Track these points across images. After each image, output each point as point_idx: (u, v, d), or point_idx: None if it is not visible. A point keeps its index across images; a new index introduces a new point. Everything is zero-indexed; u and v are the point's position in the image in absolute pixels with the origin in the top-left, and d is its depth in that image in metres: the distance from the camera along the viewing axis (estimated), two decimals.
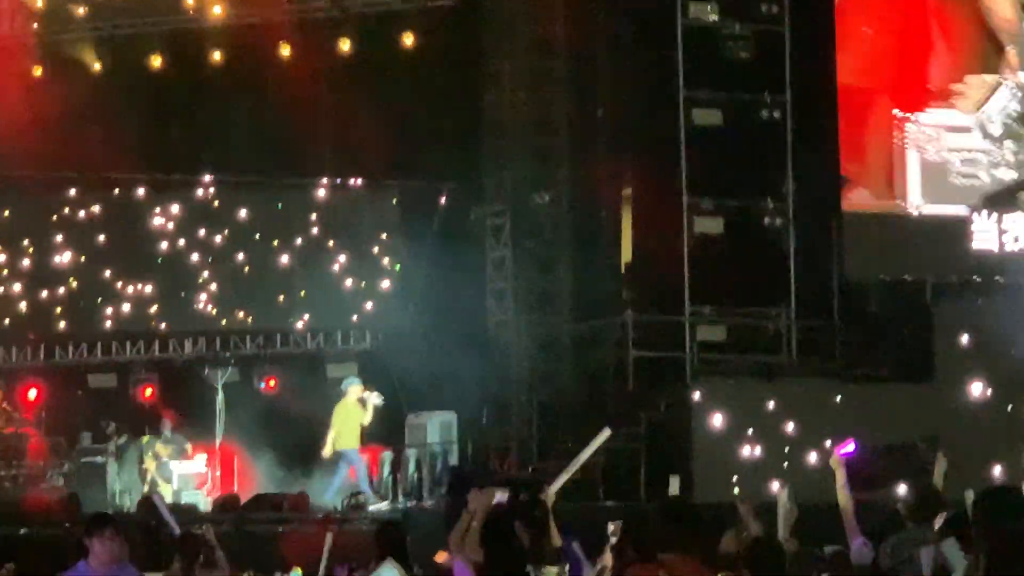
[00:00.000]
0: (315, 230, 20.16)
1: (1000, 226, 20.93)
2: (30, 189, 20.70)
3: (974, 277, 20.73)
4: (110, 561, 9.44)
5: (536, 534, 9.50)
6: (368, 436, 19.60)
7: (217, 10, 20.34)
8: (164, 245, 20.39)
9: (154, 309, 20.69)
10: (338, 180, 20.47)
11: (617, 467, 18.87)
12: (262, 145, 19.86)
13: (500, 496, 9.32)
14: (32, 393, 20.88)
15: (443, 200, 20.03)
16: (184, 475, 20.22)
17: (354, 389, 19.53)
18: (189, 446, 20.02)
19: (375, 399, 19.48)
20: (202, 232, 20.45)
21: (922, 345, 19.58)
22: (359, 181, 20.36)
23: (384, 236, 20.23)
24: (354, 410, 19.41)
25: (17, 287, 20.95)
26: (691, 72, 19.54)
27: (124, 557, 9.55)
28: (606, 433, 11.49)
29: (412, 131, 19.88)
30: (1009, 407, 18.64)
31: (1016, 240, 21.40)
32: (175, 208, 20.34)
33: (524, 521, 9.50)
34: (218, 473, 20.48)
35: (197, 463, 20.23)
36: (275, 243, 20.14)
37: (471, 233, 20.34)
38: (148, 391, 20.78)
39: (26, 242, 20.86)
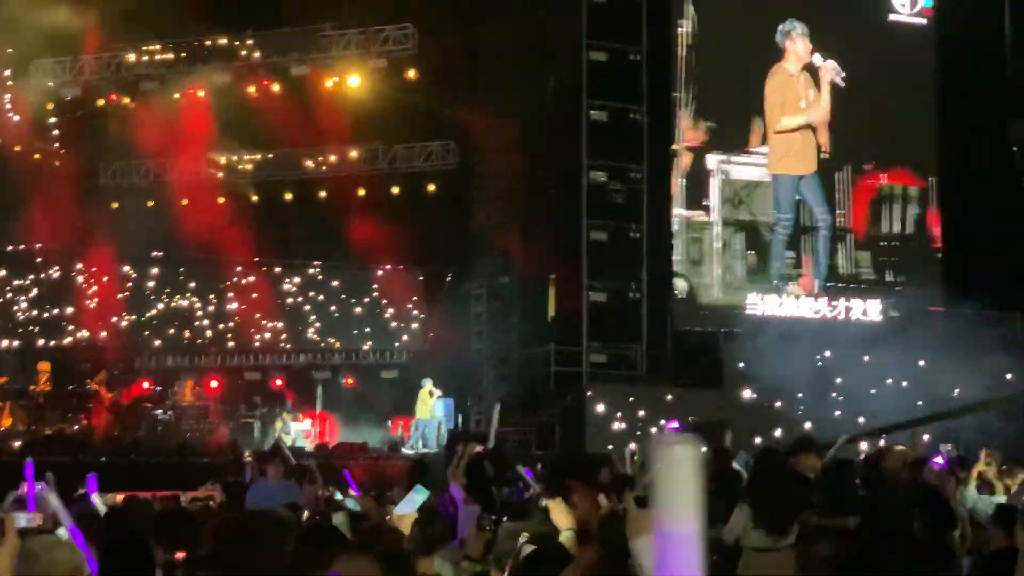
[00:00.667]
0: (375, 294, 29.18)
1: (763, 300, 28.16)
2: (214, 265, 29.05)
3: (743, 330, 27.02)
4: (279, 477, 13.01)
5: (497, 468, 12.73)
6: (404, 409, 27.23)
7: (322, 167, 29.44)
8: (290, 300, 29.50)
9: (284, 336, 29.17)
10: (388, 266, 28.71)
11: (543, 434, 26.12)
12: (347, 245, 27.67)
13: (476, 447, 12.29)
14: (213, 383, 27.61)
15: (448, 279, 28.33)
16: (298, 431, 26.49)
17: (427, 384, 26.35)
18: (301, 415, 26.84)
19: (436, 392, 26.31)
20: (311, 294, 29.66)
21: (718, 366, 26.83)
22: (400, 266, 28.81)
23: (415, 298, 28.99)
24: (425, 396, 26.38)
25: (205, 322, 29.45)
26: (590, 210, 26.70)
27: (283, 477, 13.12)
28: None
29: (431, 237, 27.64)
30: (766, 404, 25.92)
31: (775, 308, 28.15)
32: (297, 279, 29.33)
33: (489, 460, 12.86)
34: (317, 430, 27.04)
35: (306, 424, 26.88)
36: (352, 300, 29.01)
37: (463, 297, 28.21)
38: (279, 383, 27.86)
39: (211, 296, 29.42)
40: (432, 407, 26.70)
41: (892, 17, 30.54)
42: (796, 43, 28.12)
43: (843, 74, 28.49)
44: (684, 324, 28.13)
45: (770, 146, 28.62)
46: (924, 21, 30.64)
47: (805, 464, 12.22)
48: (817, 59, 27.91)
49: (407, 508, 6.44)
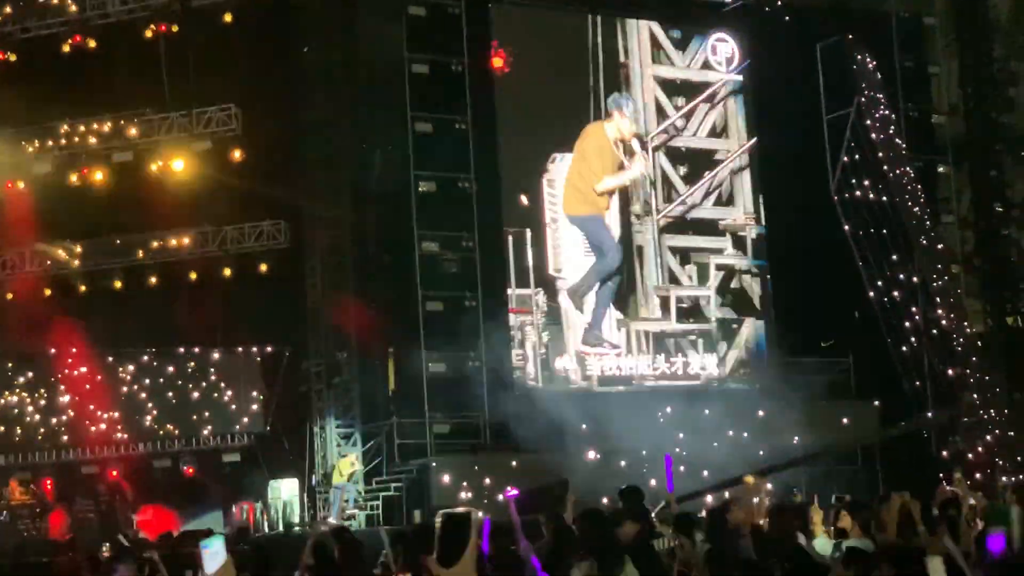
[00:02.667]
0: (212, 377, 28.81)
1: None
2: (43, 359, 28.67)
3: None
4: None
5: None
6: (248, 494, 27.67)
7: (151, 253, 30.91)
8: (124, 389, 28.77)
9: (119, 427, 28.47)
10: (223, 349, 28.79)
11: (391, 508, 26.80)
12: (181, 329, 28.01)
13: (321, 528, 15.03)
14: (48, 483, 27.47)
15: (286, 358, 28.47)
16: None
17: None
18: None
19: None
20: (147, 381, 28.82)
21: (561, 429, 26.65)
22: (236, 348, 28.88)
23: (253, 379, 28.79)
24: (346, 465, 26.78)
25: (37, 417, 28.65)
26: (423, 280, 27.31)
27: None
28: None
29: (266, 317, 27.94)
30: (609, 464, 26.30)
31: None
32: (131, 367, 28.68)
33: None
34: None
35: (147, 515, 27.04)
36: (189, 385, 28.51)
37: (302, 376, 28.46)
38: (114, 473, 27.82)
39: (42, 390, 28.73)
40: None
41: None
42: (624, 119, 28.06)
43: (649, 173, 29.74)
44: (525, 388, 28.53)
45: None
46: (740, 78, 31.55)
47: (627, 532, 12.21)
48: (636, 146, 28.10)
49: (215, 562, 6.39)
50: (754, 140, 31.91)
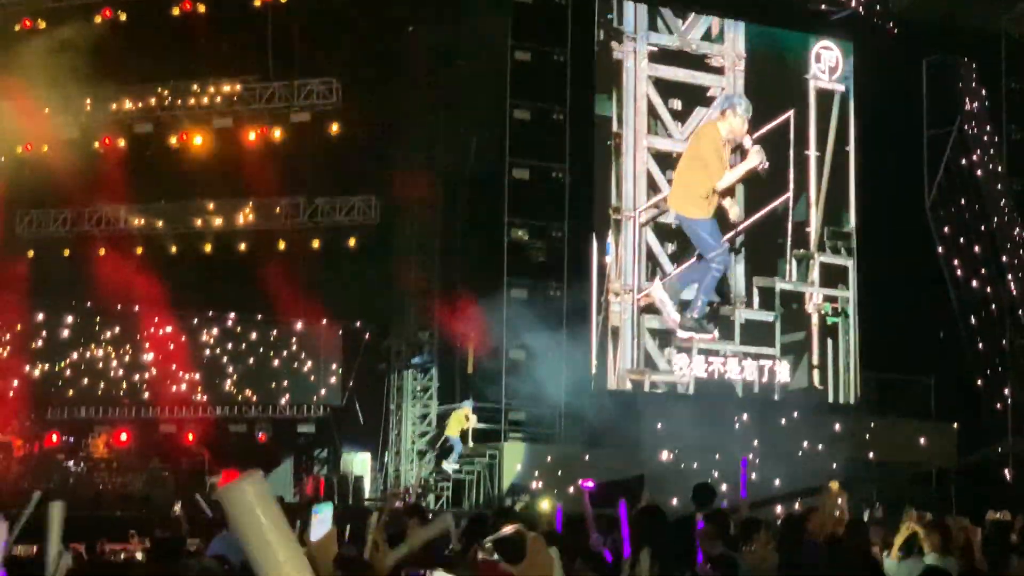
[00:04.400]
0: (294, 348, 29.24)
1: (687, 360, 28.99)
2: (130, 316, 29.05)
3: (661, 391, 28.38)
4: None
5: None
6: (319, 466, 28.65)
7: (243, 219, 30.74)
8: (207, 352, 29.30)
9: (199, 388, 28.95)
10: (307, 320, 28.99)
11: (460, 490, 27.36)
12: (266, 298, 27.64)
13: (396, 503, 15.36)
14: (123, 436, 27.48)
15: (368, 334, 28.71)
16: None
17: (466, 407, 27.04)
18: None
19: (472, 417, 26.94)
20: (229, 346, 29.40)
21: (635, 427, 27.36)
22: (320, 321, 29.08)
23: (334, 353, 29.05)
24: (461, 418, 26.98)
25: (120, 373, 29.11)
26: (511, 267, 27.48)
27: None
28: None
29: (351, 292, 27.65)
30: (682, 465, 26.41)
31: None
32: (215, 331, 29.28)
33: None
34: None
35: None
36: (270, 354, 28.98)
37: (383, 353, 28.84)
38: (191, 437, 28.02)
39: (127, 346, 29.18)
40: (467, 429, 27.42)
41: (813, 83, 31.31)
42: (737, 117, 28.72)
43: (767, 164, 29.11)
44: (603, 384, 28.56)
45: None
46: (843, 88, 31.40)
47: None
48: (748, 142, 28.47)
49: (322, 529, 6.41)
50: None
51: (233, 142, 28.18)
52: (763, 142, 29.64)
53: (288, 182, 28.57)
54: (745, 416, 28.75)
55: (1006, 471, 29.99)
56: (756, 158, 28.71)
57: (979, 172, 31.06)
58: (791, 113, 30.63)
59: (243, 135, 28.16)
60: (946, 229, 31.06)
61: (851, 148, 31.48)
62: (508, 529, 8.05)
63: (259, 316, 29.03)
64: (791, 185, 30.61)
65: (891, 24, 31.39)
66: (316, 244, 28.23)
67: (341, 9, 28.00)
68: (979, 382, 30.64)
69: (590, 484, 14.29)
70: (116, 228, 28.40)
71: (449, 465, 27.05)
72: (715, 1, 30.29)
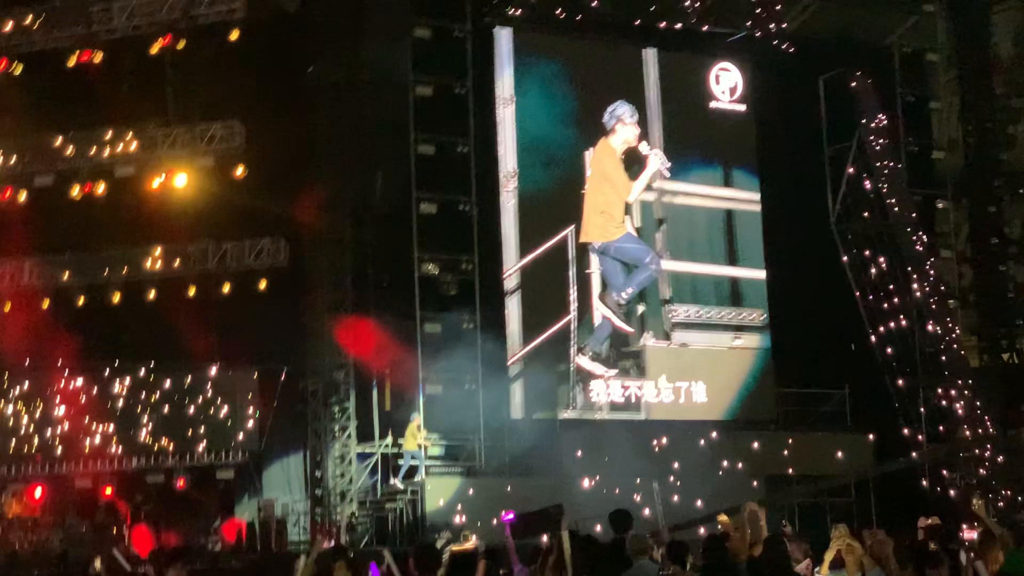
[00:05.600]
0: (209, 393, 28.67)
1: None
2: (39, 371, 28.49)
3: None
4: None
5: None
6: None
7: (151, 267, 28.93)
8: (120, 403, 28.68)
9: (114, 440, 28.27)
10: (221, 365, 28.71)
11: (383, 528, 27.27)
12: (178, 345, 27.46)
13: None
14: (37, 493, 27.10)
15: (283, 376, 28.26)
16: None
17: (415, 418, 27.04)
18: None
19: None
20: (143, 395, 28.55)
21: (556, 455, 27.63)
22: (234, 365, 28.75)
23: (250, 396, 28.78)
24: (414, 430, 27.01)
25: (31, 429, 28.36)
26: (422, 301, 27.77)
27: None
28: None
29: (264, 334, 27.71)
30: (604, 491, 26.10)
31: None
32: (127, 381, 28.61)
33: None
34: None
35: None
36: (185, 401, 28.50)
37: (299, 394, 28.24)
38: (108, 491, 27.56)
39: (37, 401, 28.69)
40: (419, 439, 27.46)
41: (713, 104, 31.65)
42: (627, 126, 29.17)
43: (669, 165, 29.32)
44: (522, 413, 28.81)
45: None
46: (743, 108, 31.81)
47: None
48: (644, 147, 28.90)
49: None
50: None
51: (137, 190, 27.90)
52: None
53: (195, 227, 28.28)
54: (664, 439, 28.88)
55: (923, 479, 30.38)
56: (656, 161, 29.04)
57: (880, 185, 31.51)
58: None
59: (147, 182, 27.88)
60: (852, 242, 31.44)
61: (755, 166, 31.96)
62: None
63: (172, 364, 28.58)
64: None
65: (786, 43, 31.63)
66: (226, 288, 27.84)
67: (240, 51, 27.83)
68: (893, 392, 30.94)
69: (510, 516, 14.29)
70: (21, 283, 27.90)
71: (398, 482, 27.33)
72: (610, 30, 30.39)
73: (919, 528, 16.80)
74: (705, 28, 31.17)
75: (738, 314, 31.62)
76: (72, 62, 27.61)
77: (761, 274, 31.84)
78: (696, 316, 31.08)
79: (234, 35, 27.76)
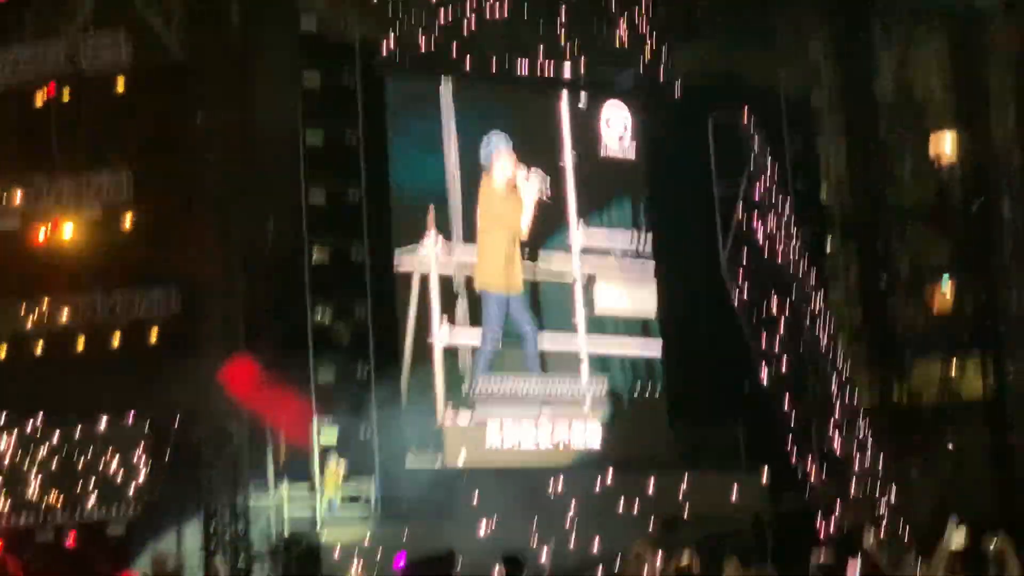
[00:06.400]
0: (98, 447, 27.98)
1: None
2: None
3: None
4: None
5: None
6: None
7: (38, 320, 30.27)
8: (6, 460, 28.17)
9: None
10: (110, 418, 27.99)
11: None
12: (66, 399, 27.38)
13: None
14: None
15: (175, 428, 27.89)
16: None
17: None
18: None
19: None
20: (30, 451, 28.21)
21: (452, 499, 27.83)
22: (124, 417, 28.05)
23: (141, 450, 27.92)
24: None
25: None
26: (316, 349, 28.03)
27: None
28: None
29: (155, 386, 27.23)
30: (500, 537, 26.22)
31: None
32: (13, 436, 28.09)
33: None
34: None
35: None
36: (74, 455, 27.95)
37: (191, 446, 27.71)
38: None
39: None
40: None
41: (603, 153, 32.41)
42: (501, 156, 29.46)
43: (549, 192, 29.88)
44: (418, 461, 28.87)
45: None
46: (633, 157, 32.21)
47: None
48: (521, 175, 29.04)
49: None
50: None
51: (22, 242, 27.69)
52: None
53: (83, 278, 28.14)
54: (559, 483, 29.12)
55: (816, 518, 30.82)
56: (536, 183, 29.20)
57: (769, 225, 32.03)
58: None
59: (32, 234, 27.70)
60: (742, 282, 31.93)
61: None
62: None
63: (60, 417, 28.15)
64: None
65: (675, 84, 32.18)
66: (116, 340, 27.88)
67: (127, 99, 28.01)
68: (785, 431, 31.43)
69: (402, 564, 14.60)
70: None
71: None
72: (492, 76, 30.73)
73: (812, 564, 17.14)
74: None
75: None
76: None
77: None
78: None
79: (120, 83, 27.71)
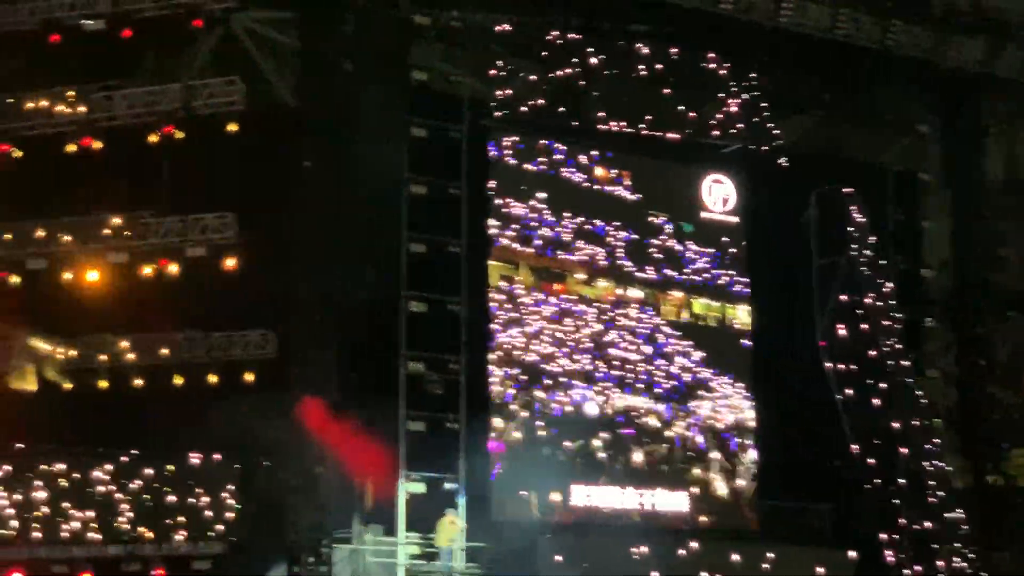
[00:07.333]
0: (190, 483, 28.50)
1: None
2: (21, 454, 28.73)
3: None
4: None
5: None
6: None
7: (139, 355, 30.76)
8: (101, 489, 28.68)
9: (93, 527, 28.42)
10: (203, 455, 28.45)
11: None
12: (162, 434, 28.06)
13: None
14: None
15: (264, 468, 28.27)
16: None
17: (450, 513, 28.02)
18: None
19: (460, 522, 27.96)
20: (123, 482, 28.84)
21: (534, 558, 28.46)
22: (217, 455, 28.54)
23: (231, 487, 28.44)
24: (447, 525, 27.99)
25: (10, 511, 28.72)
26: (409, 399, 28.38)
27: None
28: None
29: (249, 426, 27.11)
30: None
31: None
32: (109, 467, 28.65)
33: None
34: None
35: None
36: (166, 489, 28.48)
37: (280, 487, 27.94)
38: None
39: (17, 485, 28.68)
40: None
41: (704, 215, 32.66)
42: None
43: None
44: (502, 515, 29.29)
45: None
46: (736, 219, 32.52)
47: None
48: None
49: None
50: None
51: (128, 277, 28.42)
52: None
53: (184, 317, 28.79)
54: (644, 547, 29.27)
55: None
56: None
57: (868, 301, 32.07)
58: None
59: (138, 270, 28.45)
60: (838, 358, 31.97)
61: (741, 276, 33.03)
62: None
63: (154, 451, 28.85)
64: None
65: (781, 158, 32.45)
66: (213, 379, 28.36)
67: (237, 143, 28.52)
68: (875, 510, 31.31)
69: None
70: (9, 365, 28.40)
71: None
72: (603, 137, 31.21)
73: None
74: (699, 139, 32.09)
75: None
76: (72, 147, 28.26)
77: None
78: None
79: (232, 127, 28.42)
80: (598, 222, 31.90)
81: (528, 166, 31.25)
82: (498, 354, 30.23)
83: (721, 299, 32.93)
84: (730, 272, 33.03)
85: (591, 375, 30.99)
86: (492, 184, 30.72)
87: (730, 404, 32.43)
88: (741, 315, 33.02)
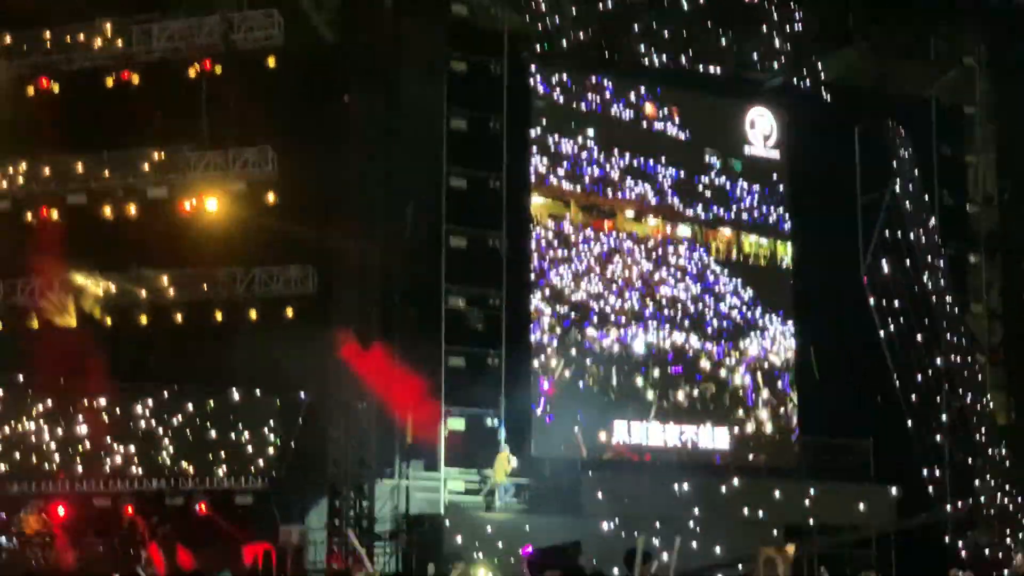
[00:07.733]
0: (231, 418, 28.90)
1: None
2: (63, 389, 28.85)
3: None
4: None
5: None
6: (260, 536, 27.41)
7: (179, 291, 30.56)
8: (143, 424, 29.03)
9: (135, 461, 28.79)
10: (244, 390, 28.90)
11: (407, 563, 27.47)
12: (202, 369, 28.30)
13: None
14: (60, 510, 27.61)
15: (305, 403, 28.53)
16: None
17: (505, 450, 27.99)
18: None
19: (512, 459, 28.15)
20: (165, 417, 29.03)
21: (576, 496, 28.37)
22: (257, 391, 29.02)
23: (271, 423, 28.84)
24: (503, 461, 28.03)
25: (53, 446, 28.86)
26: (448, 335, 28.57)
27: None
28: None
29: (288, 362, 27.24)
30: (623, 534, 26.64)
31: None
32: (150, 402, 28.89)
33: None
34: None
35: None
36: (207, 424, 28.82)
37: (320, 422, 28.24)
38: (129, 510, 27.94)
39: (60, 420, 28.91)
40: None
41: (748, 151, 32.43)
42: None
43: None
44: (543, 451, 29.22)
45: None
46: (777, 155, 32.29)
47: None
48: None
49: None
50: None
51: (168, 212, 28.46)
52: None
53: (224, 252, 28.80)
54: (686, 484, 29.32)
55: (945, 536, 30.61)
56: None
57: (912, 237, 31.85)
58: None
59: (178, 205, 28.48)
60: (882, 294, 31.79)
61: (787, 213, 32.63)
62: None
63: (195, 387, 28.98)
64: None
65: (823, 91, 32.20)
66: (253, 315, 28.36)
67: (276, 78, 28.37)
68: (918, 446, 31.24)
69: (529, 551, 14.82)
70: (50, 300, 28.50)
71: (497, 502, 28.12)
72: (646, 72, 30.87)
73: None
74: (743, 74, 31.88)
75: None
76: (110, 82, 28.25)
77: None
78: None
79: (271, 62, 28.32)
80: (647, 160, 31.44)
81: (577, 104, 30.87)
82: (546, 292, 29.93)
83: (770, 237, 32.62)
84: (778, 210, 32.60)
85: (640, 314, 30.68)
86: (542, 121, 30.50)
87: (779, 343, 32.13)
88: (791, 253, 32.66)
